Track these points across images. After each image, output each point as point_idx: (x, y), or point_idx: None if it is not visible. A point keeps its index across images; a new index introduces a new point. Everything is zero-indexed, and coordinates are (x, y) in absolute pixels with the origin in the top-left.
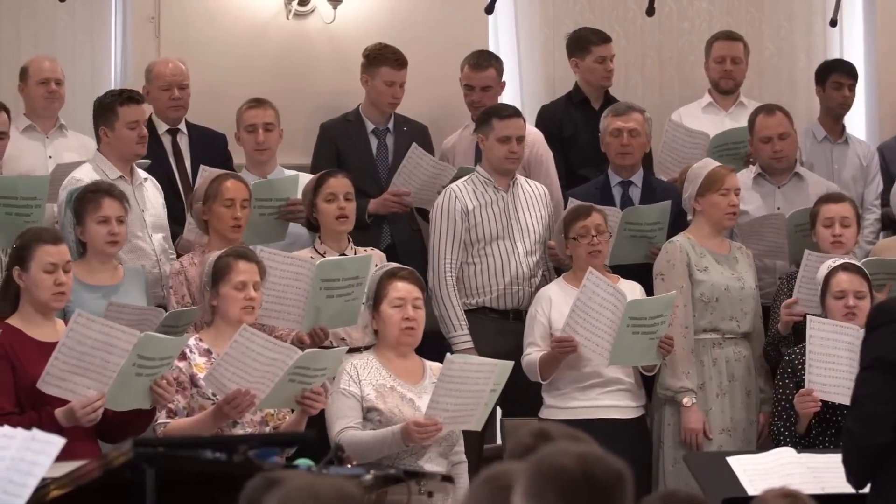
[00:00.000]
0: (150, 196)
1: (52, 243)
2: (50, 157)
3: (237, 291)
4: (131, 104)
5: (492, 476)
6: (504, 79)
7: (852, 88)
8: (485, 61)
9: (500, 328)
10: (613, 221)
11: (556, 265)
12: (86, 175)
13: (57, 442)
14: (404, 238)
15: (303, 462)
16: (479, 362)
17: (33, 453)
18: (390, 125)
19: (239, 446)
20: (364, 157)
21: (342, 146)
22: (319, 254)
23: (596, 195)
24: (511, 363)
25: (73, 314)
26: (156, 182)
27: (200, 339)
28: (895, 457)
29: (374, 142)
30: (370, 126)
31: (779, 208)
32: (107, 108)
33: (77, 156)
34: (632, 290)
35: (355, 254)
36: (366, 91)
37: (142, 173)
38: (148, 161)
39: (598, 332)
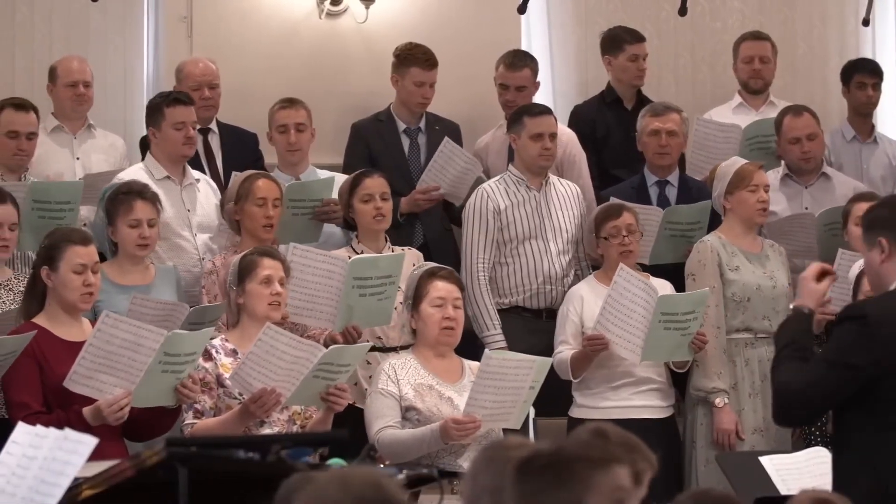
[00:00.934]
0: (200, 197)
1: (81, 244)
2: (77, 158)
3: (263, 287)
4: (178, 105)
5: (491, 447)
6: (538, 79)
7: (876, 87)
8: (520, 61)
9: (533, 327)
10: (654, 220)
11: (593, 263)
12: (133, 176)
13: (89, 441)
14: (436, 236)
15: (336, 462)
16: (518, 359)
17: (65, 453)
18: (422, 124)
19: (272, 446)
20: (396, 157)
21: (374, 146)
22: (357, 253)
23: (632, 195)
24: (549, 360)
25: (101, 314)
26: (211, 183)
27: (226, 340)
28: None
29: (405, 141)
30: (402, 126)
31: (806, 208)
32: (155, 110)
33: (105, 156)
34: (662, 288)
35: (392, 252)
36: (396, 91)
37: (194, 174)
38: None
39: (630, 328)
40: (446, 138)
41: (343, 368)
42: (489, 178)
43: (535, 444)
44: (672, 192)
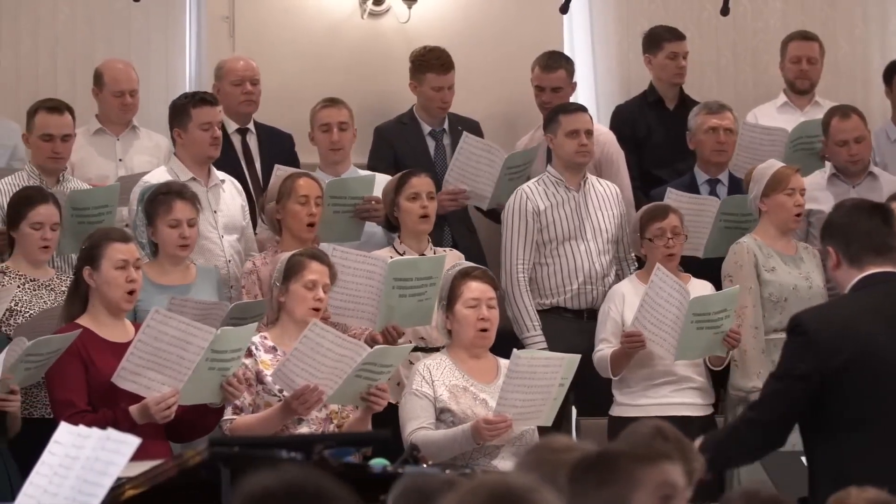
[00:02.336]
0: (225, 198)
1: (121, 241)
2: (120, 160)
3: (307, 290)
4: (204, 106)
5: (537, 448)
6: (577, 79)
7: None
8: (555, 62)
9: (574, 328)
10: (710, 212)
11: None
12: (158, 178)
13: (132, 441)
14: (463, 238)
15: (379, 461)
16: (547, 356)
17: (108, 453)
18: (445, 126)
19: (315, 446)
20: (422, 160)
21: (399, 149)
22: (399, 253)
23: None
24: (578, 357)
25: (148, 313)
26: (236, 183)
27: (266, 337)
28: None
29: (431, 143)
30: (426, 128)
31: None
32: (180, 110)
33: (149, 156)
34: (703, 288)
35: (434, 254)
36: (416, 96)
37: (219, 175)
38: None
39: (665, 327)
40: (465, 133)
41: (385, 369)
42: (528, 179)
43: (581, 444)
44: (722, 191)
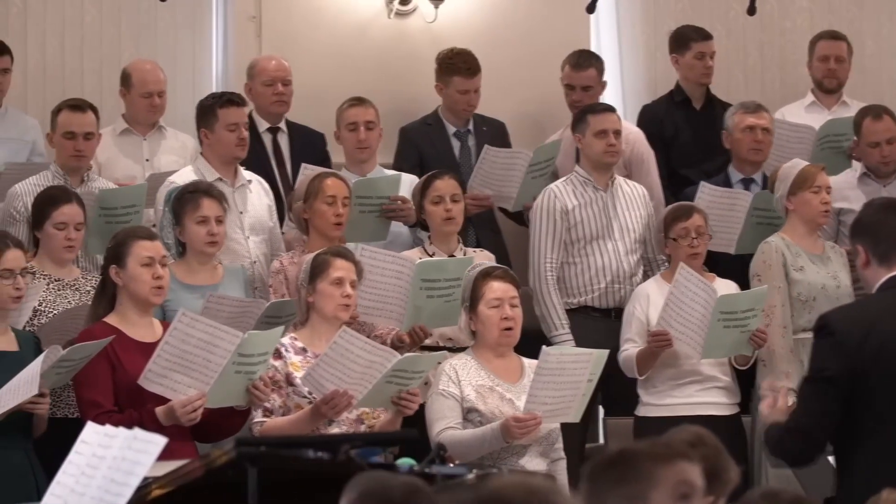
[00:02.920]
0: (252, 198)
1: (146, 238)
2: (147, 159)
3: (334, 288)
4: (230, 106)
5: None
6: (605, 78)
7: None
8: (585, 61)
9: (601, 327)
10: (742, 206)
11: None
12: (185, 178)
13: (159, 441)
14: (488, 240)
15: (405, 461)
16: (576, 353)
17: (135, 452)
18: (470, 126)
19: (341, 446)
20: (447, 161)
21: (424, 150)
22: (429, 254)
23: None
24: (606, 352)
25: (176, 313)
26: (263, 183)
27: (296, 339)
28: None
29: (456, 144)
30: (451, 129)
31: None
32: (206, 111)
33: (175, 156)
34: (727, 288)
35: (464, 255)
36: (442, 98)
37: (246, 175)
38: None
39: (691, 326)
40: (486, 146)
41: (416, 375)
42: (557, 177)
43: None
44: (756, 191)
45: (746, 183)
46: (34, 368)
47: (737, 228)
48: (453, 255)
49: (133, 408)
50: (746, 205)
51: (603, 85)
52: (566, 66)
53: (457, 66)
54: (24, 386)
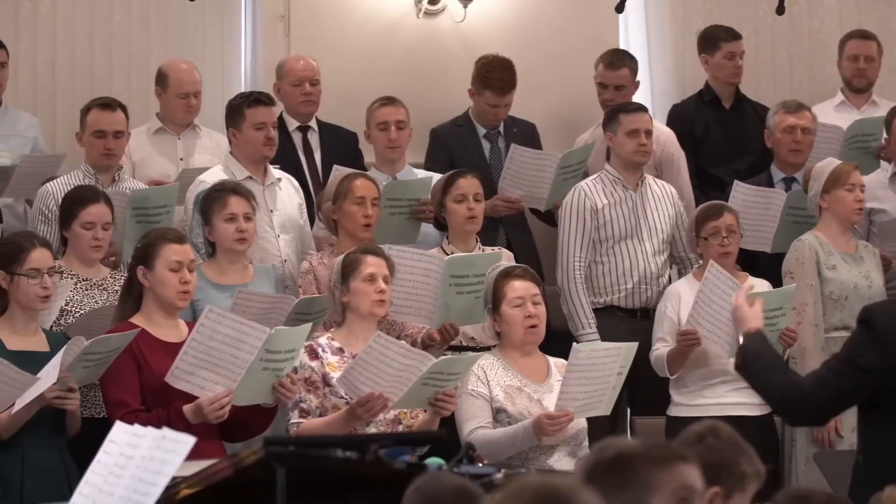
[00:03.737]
0: (282, 196)
1: (176, 242)
2: (181, 158)
3: (368, 284)
4: (258, 106)
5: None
6: (637, 78)
7: None
8: (619, 60)
9: (628, 327)
10: (777, 205)
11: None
12: (214, 177)
13: (187, 441)
14: (518, 240)
15: (434, 461)
16: (606, 347)
17: (163, 452)
18: (501, 128)
19: (370, 445)
20: (477, 162)
21: (455, 151)
22: (447, 254)
23: None
24: (635, 345)
25: (203, 310)
26: (293, 181)
27: (332, 339)
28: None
29: (486, 146)
30: (482, 130)
31: None
32: (235, 110)
33: (210, 156)
34: (759, 287)
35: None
36: (473, 102)
37: (276, 173)
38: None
39: (720, 325)
40: (513, 145)
41: (453, 377)
42: (587, 176)
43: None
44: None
45: (788, 182)
46: (56, 360)
47: (772, 227)
48: None
49: (160, 407)
50: (781, 203)
51: (636, 85)
52: (600, 65)
53: (492, 81)
54: (45, 377)
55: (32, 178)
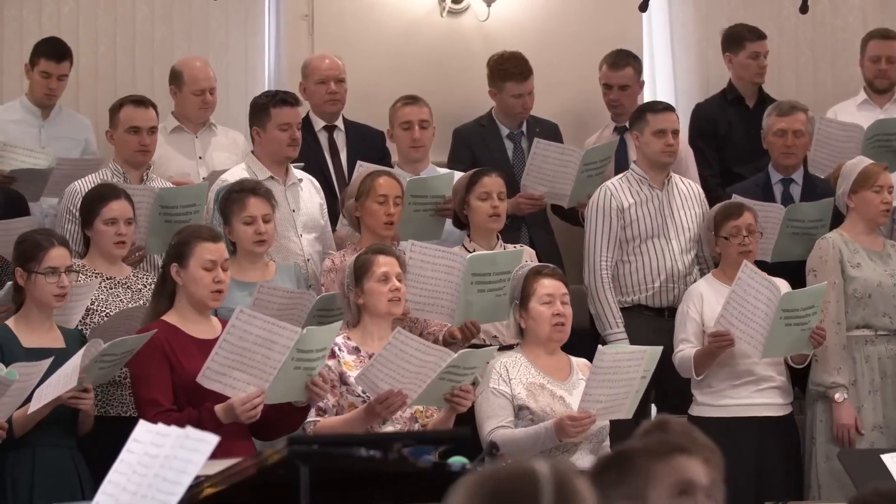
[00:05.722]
0: (304, 196)
1: (211, 241)
2: (200, 157)
3: (381, 284)
4: (284, 106)
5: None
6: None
7: None
8: (622, 60)
9: (655, 326)
10: (776, 218)
11: (714, 260)
12: (236, 176)
13: (210, 440)
14: (541, 239)
15: (457, 460)
16: (630, 350)
17: (187, 451)
18: (524, 128)
19: (394, 444)
20: (500, 162)
21: (478, 151)
22: (469, 251)
23: (757, 192)
24: (660, 349)
25: (227, 310)
26: (314, 182)
27: (349, 338)
28: None
29: (509, 146)
30: (505, 130)
31: None
32: (260, 109)
33: (226, 153)
34: (781, 286)
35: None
36: (495, 102)
37: (297, 173)
38: (301, 164)
39: (753, 324)
40: (536, 139)
41: (469, 371)
42: (607, 175)
43: None
44: (796, 190)
45: (786, 183)
46: (75, 362)
47: (771, 238)
48: None
49: (192, 406)
50: (780, 216)
51: (640, 84)
52: (604, 66)
53: (509, 71)
54: (64, 379)
55: (71, 181)
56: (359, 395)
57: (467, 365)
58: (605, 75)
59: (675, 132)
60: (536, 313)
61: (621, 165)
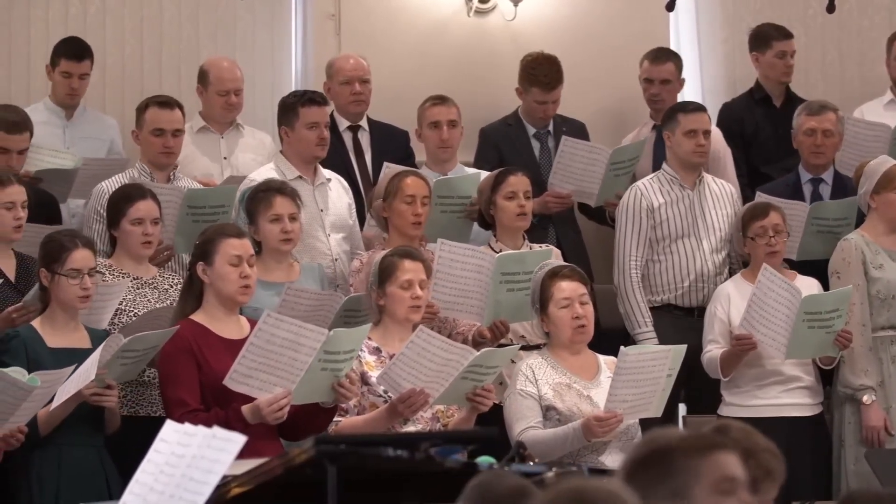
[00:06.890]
0: (332, 196)
1: (235, 237)
2: (225, 157)
3: (403, 291)
4: (312, 105)
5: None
6: (684, 76)
7: None
8: (664, 55)
9: (685, 325)
10: (801, 216)
11: (743, 260)
12: (264, 176)
13: (238, 440)
14: (568, 239)
15: (485, 460)
16: (654, 350)
17: (214, 451)
18: (550, 127)
19: (421, 444)
20: (527, 161)
21: (504, 150)
22: (495, 251)
23: (787, 192)
24: (684, 347)
25: (252, 309)
26: (343, 182)
27: (369, 338)
28: None
29: (536, 145)
30: (531, 130)
31: None
32: (288, 109)
33: (253, 154)
34: (809, 286)
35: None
36: (521, 100)
37: (326, 173)
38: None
39: (774, 326)
40: (564, 137)
41: (491, 370)
42: (635, 175)
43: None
44: (826, 190)
45: (815, 182)
46: (94, 356)
47: (796, 237)
48: None
49: (219, 406)
50: (804, 215)
51: (681, 82)
52: (644, 62)
53: (537, 77)
54: (84, 374)
55: (98, 181)
56: (380, 395)
57: (489, 364)
58: (646, 70)
59: (707, 133)
60: (556, 318)
61: (660, 163)
